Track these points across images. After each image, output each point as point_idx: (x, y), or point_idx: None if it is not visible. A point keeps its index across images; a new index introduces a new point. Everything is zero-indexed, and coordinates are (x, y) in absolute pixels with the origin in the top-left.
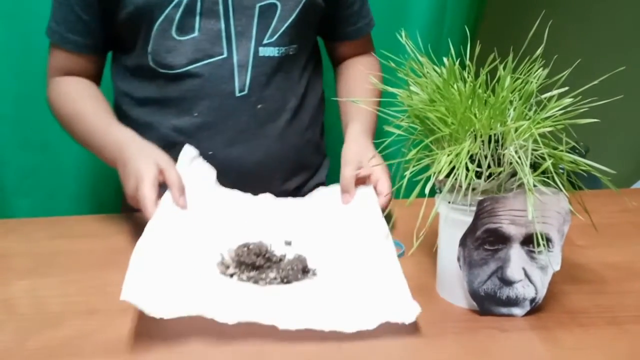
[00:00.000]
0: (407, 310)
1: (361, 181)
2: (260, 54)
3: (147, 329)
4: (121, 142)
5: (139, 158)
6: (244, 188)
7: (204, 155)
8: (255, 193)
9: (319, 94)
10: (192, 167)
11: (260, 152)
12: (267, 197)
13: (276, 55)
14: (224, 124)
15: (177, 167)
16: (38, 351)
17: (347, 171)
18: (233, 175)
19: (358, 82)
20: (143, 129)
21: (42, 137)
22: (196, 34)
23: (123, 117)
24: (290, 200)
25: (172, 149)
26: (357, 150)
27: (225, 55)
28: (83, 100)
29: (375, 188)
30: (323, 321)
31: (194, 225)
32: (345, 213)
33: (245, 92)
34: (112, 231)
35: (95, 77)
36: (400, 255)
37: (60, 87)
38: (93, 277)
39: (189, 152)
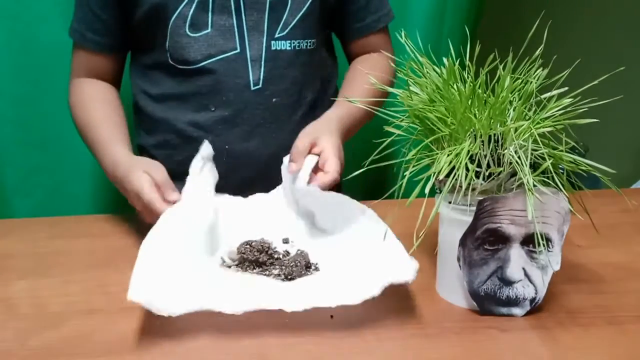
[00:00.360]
0: (406, 269)
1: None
2: (273, 48)
3: (147, 328)
4: (115, 162)
5: (129, 174)
6: (260, 182)
7: (221, 148)
8: (270, 187)
9: (334, 90)
10: (200, 175)
11: (276, 145)
12: (255, 198)
13: (289, 48)
14: (240, 118)
15: (191, 172)
16: (38, 351)
17: (300, 143)
18: (249, 169)
19: (355, 80)
20: (160, 125)
21: (42, 137)
22: (209, 30)
23: (141, 113)
24: (275, 196)
25: (190, 144)
26: (318, 127)
27: (238, 50)
28: (95, 110)
29: (323, 167)
30: (329, 299)
31: (196, 230)
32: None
33: (260, 85)
34: (112, 231)
35: (116, 77)
36: None
37: (79, 91)
38: (93, 277)
39: (205, 151)
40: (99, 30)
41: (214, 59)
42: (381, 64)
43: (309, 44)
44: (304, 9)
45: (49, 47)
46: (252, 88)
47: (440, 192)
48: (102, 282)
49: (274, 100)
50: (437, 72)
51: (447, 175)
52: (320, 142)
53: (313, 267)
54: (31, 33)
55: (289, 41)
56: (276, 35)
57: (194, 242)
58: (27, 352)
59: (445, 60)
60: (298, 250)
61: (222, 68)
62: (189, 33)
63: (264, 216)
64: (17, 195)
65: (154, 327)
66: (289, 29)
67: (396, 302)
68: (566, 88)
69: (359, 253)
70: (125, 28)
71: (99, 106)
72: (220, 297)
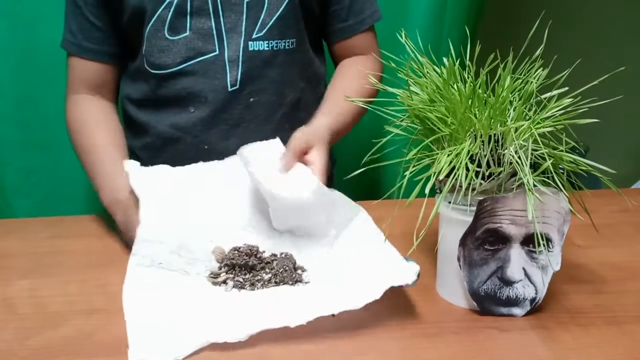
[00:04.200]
0: (407, 272)
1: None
2: (250, 49)
3: None
4: (117, 200)
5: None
6: None
7: (201, 149)
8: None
9: (321, 91)
10: (147, 178)
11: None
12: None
13: (266, 49)
14: (218, 118)
15: (133, 183)
16: (38, 351)
17: (297, 144)
18: None
19: (340, 83)
20: (143, 128)
21: (42, 137)
22: (188, 33)
23: (127, 117)
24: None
25: (171, 145)
26: (312, 135)
27: (217, 52)
28: (97, 134)
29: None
30: (330, 305)
31: (177, 228)
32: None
33: (237, 86)
34: (112, 231)
35: (114, 87)
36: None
37: (78, 110)
38: (93, 277)
39: (132, 166)
40: (97, 39)
41: (192, 62)
42: (372, 68)
43: (287, 43)
44: (281, 9)
45: (49, 47)
46: (230, 89)
47: (440, 192)
48: (102, 282)
49: (251, 99)
50: (437, 72)
51: (447, 175)
52: (312, 152)
53: (300, 270)
54: (31, 33)
55: (267, 41)
56: (253, 36)
57: (178, 246)
58: (27, 352)
59: (445, 60)
60: (282, 253)
61: (201, 70)
62: (167, 36)
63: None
64: (17, 196)
65: None
66: (266, 29)
67: (396, 302)
68: (566, 88)
69: (351, 257)
70: (118, 35)
71: (102, 129)
72: (222, 326)
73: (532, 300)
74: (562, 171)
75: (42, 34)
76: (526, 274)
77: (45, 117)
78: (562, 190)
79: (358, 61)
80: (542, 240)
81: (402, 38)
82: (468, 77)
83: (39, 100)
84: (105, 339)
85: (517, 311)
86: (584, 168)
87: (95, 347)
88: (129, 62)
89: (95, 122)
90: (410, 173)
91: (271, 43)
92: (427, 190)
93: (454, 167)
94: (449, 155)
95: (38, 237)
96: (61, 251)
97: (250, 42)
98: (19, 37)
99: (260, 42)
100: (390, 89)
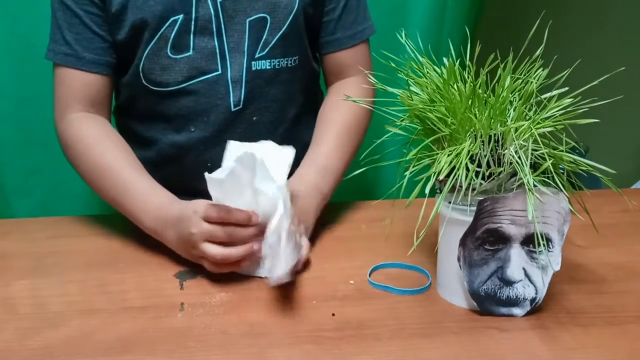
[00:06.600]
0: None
1: None
2: (253, 69)
3: (147, 328)
4: (162, 205)
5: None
6: None
7: (204, 165)
8: None
9: (319, 99)
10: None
11: None
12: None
13: (269, 68)
14: (219, 138)
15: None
16: (38, 351)
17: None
18: None
19: (327, 135)
20: (140, 142)
21: (43, 137)
22: (191, 52)
23: (124, 131)
24: None
25: (171, 164)
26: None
27: (219, 71)
28: (115, 155)
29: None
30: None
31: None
32: None
33: (240, 106)
34: (112, 231)
35: (110, 101)
36: (427, 288)
37: (84, 129)
38: (93, 277)
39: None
40: (99, 49)
41: (194, 81)
42: (356, 95)
43: (290, 61)
44: (284, 27)
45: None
46: (233, 109)
47: (440, 192)
48: (102, 282)
49: (254, 118)
50: (437, 72)
51: (447, 176)
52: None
53: None
54: (32, 33)
55: (269, 60)
56: (256, 56)
57: None
58: (27, 352)
59: (445, 60)
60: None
61: (203, 90)
62: (170, 55)
63: None
64: (17, 195)
65: (154, 327)
66: (268, 48)
67: (396, 302)
68: (566, 88)
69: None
70: (114, 45)
71: (118, 148)
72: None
73: (532, 300)
74: (562, 171)
75: (42, 34)
76: (526, 274)
77: (45, 117)
78: (562, 190)
79: (346, 89)
80: (542, 240)
81: (402, 38)
82: (468, 77)
83: (39, 100)
84: (105, 339)
85: (517, 311)
86: (584, 168)
87: (95, 347)
88: (121, 74)
89: (107, 141)
90: (410, 173)
91: (274, 62)
92: (427, 190)
93: (454, 167)
94: (449, 155)
95: (38, 237)
96: (61, 251)
97: (253, 62)
98: (19, 37)
99: (263, 61)
100: (390, 89)
